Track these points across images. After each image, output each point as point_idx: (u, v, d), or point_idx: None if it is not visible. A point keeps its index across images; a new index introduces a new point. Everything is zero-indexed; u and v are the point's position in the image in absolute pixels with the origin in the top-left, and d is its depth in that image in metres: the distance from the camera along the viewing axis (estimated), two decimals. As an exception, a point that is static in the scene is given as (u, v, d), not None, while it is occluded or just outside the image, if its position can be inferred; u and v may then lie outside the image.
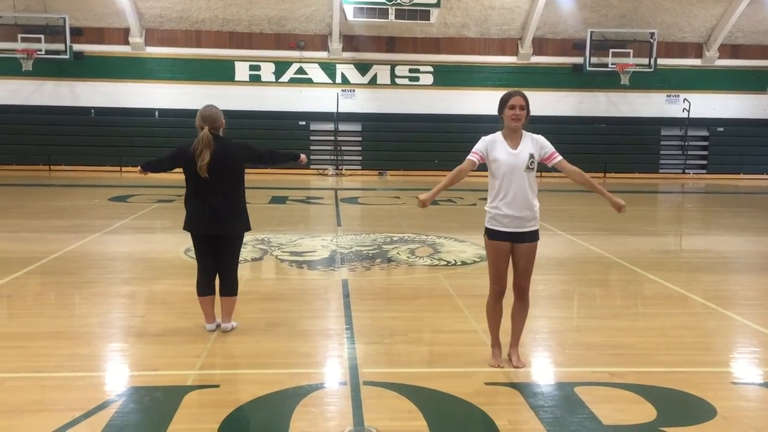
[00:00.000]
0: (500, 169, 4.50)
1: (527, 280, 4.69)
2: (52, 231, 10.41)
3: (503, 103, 4.53)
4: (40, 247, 8.90)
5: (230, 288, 5.45)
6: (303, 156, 5.77)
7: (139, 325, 5.70)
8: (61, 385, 4.32)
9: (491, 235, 4.58)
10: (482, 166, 4.67)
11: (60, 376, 4.50)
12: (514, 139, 4.52)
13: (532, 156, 4.49)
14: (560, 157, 4.59)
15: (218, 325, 5.47)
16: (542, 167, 4.61)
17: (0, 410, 3.92)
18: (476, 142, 4.65)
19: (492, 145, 4.53)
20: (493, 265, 4.63)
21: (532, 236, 4.58)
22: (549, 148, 4.59)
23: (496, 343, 4.80)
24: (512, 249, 4.59)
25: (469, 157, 4.59)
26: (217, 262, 5.40)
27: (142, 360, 4.86)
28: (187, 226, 5.37)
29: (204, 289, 5.41)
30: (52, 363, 4.72)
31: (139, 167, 5.58)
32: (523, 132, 4.58)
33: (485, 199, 4.76)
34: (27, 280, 7.24)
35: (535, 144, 4.55)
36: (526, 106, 4.51)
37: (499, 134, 4.58)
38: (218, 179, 5.18)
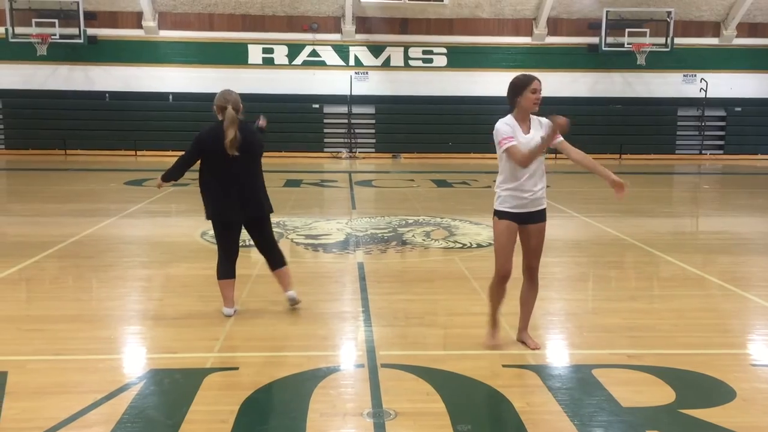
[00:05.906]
0: None
1: (537, 260, 4.69)
2: (69, 215, 10.50)
3: (523, 86, 4.45)
4: (58, 231, 8.98)
5: (281, 259, 5.58)
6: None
7: (157, 308, 5.75)
8: (82, 368, 4.37)
9: (502, 216, 4.56)
10: (492, 148, 4.61)
11: (81, 358, 4.55)
12: (525, 123, 4.53)
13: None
14: (561, 138, 4.47)
15: (236, 311, 5.48)
16: (553, 149, 4.56)
17: (23, 392, 3.97)
18: (490, 125, 4.64)
19: (513, 128, 4.49)
20: (500, 248, 4.59)
21: (542, 216, 4.60)
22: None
23: (494, 323, 4.79)
24: (522, 230, 4.59)
25: (512, 144, 4.40)
26: (256, 243, 5.57)
27: (161, 343, 4.90)
28: (214, 215, 5.32)
29: (226, 272, 5.41)
30: (72, 346, 4.78)
31: (159, 181, 5.49)
32: (530, 116, 4.58)
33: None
34: (45, 263, 7.30)
35: (543, 127, 4.54)
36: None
37: (511, 118, 4.55)
38: (244, 160, 5.21)
